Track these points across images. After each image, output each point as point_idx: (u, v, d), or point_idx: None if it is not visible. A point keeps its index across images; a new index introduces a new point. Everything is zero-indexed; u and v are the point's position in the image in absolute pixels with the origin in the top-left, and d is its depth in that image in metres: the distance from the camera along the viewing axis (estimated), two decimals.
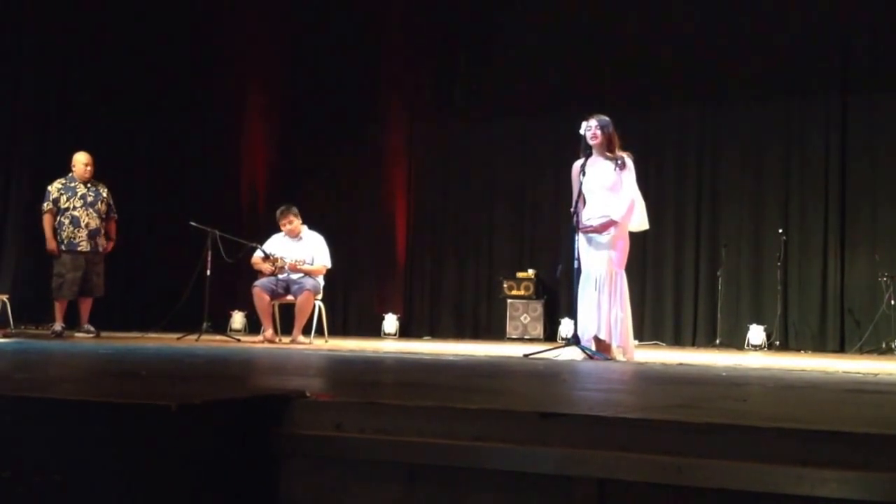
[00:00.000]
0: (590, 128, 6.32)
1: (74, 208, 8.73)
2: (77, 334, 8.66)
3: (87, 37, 11.52)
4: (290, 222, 8.79)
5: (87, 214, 8.76)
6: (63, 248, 8.68)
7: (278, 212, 8.92)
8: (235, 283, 10.82)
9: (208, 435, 1.97)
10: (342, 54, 12.43)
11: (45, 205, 8.78)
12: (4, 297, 9.77)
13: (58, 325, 8.64)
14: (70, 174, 8.87)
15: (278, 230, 8.92)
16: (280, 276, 8.66)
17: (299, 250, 8.75)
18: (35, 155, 10.80)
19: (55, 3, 11.23)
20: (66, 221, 8.71)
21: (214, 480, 1.98)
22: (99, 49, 11.60)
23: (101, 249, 8.86)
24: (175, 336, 8.71)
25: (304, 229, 8.90)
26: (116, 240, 9.13)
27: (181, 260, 10.40)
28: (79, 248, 8.70)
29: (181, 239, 10.58)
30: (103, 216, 8.91)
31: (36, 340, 7.68)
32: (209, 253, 8.82)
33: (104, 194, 8.95)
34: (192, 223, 9.00)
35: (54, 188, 8.79)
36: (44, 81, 11.26)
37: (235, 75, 12.83)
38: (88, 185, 8.86)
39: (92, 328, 8.79)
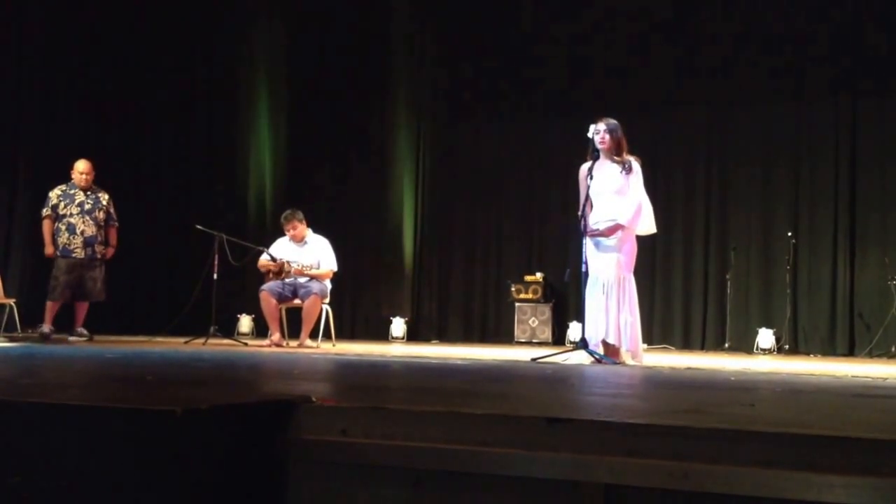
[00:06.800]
0: (598, 131, 6.31)
1: (71, 215, 8.82)
2: (70, 338, 8.73)
3: (91, 43, 11.55)
4: (295, 227, 8.78)
5: (84, 222, 8.83)
6: (59, 253, 8.77)
7: (283, 217, 8.92)
8: (243, 286, 10.82)
9: (214, 440, 1.97)
10: (349, 57, 12.44)
11: (44, 210, 8.92)
12: (11, 301, 9.81)
13: (45, 327, 8.71)
14: (71, 181, 8.96)
15: (284, 234, 8.92)
16: (287, 280, 8.66)
17: (305, 254, 8.75)
18: (41, 161, 10.82)
19: (59, 11, 11.26)
20: (63, 228, 8.80)
21: (221, 485, 1.98)
22: (104, 55, 11.63)
23: (98, 256, 8.90)
24: (182, 340, 8.73)
25: (310, 233, 8.89)
26: (119, 246, 9.16)
27: (188, 264, 10.43)
28: (73, 255, 8.78)
29: (188, 243, 10.61)
30: (101, 224, 8.96)
31: (40, 345, 7.70)
32: (216, 257, 8.84)
33: (104, 202, 9.01)
34: (199, 227, 9.01)
35: (54, 194, 8.91)
36: (49, 90, 11.29)
37: (242, 79, 12.84)
38: (88, 193, 8.95)
39: (85, 331, 8.86)
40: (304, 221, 8.84)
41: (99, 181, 9.14)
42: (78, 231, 8.80)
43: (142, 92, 11.96)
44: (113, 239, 9.09)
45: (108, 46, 11.69)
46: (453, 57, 12.31)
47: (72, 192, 8.91)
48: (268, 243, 9.07)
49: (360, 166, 12.53)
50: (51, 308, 8.79)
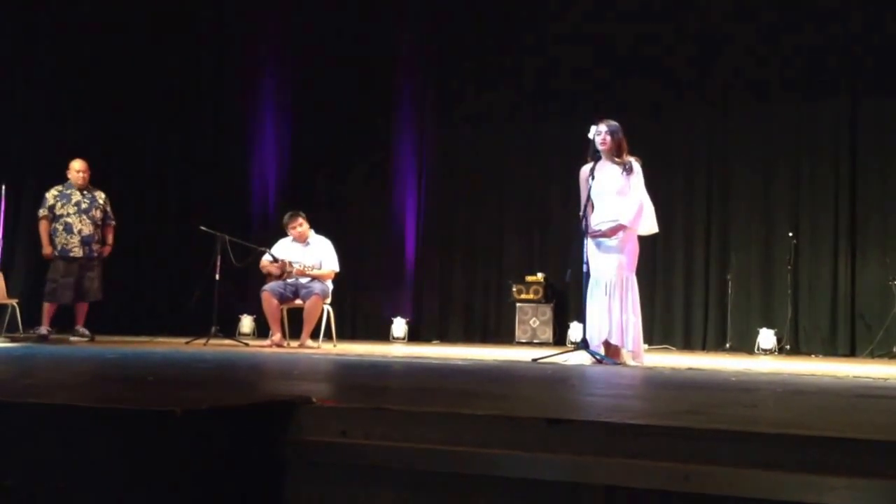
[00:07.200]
0: (599, 133, 6.31)
1: (68, 215, 8.84)
2: (72, 338, 8.75)
3: (97, 45, 11.53)
4: (300, 225, 8.80)
5: (81, 221, 8.85)
6: (56, 253, 8.79)
7: (286, 217, 8.94)
8: (244, 287, 10.82)
9: (213, 441, 1.97)
10: (353, 59, 12.43)
11: (40, 211, 8.95)
12: (14, 302, 9.80)
13: (43, 329, 8.73)
14: (67, 181, 8.98)
15: (287, 235, 8.93)
16: (289, 281, 8.66)
17: (307, 255, 8.75)
18: (46, 162, 10.81)
19: (65, 13, 11.26)
20: (60, 228, 8.82)
21: (220, 486, 1.98)
22: (110, 57, 11.61)
23: (95, 255, 8.92)
24: (183, 340, 8.73)
25: (312, 234, 8.91)
26: (123, 246, 9.18)
27: (190, 264, 10.42)
28: (71, 255, 8.80)
29: (191, 243, 10.60)
30: (98, 222, 8.98)
31: (41, 346, 7.69)
32: (219, 257, 8.84)
33: (100, 201, 9.04)
34: (202, 227, 9.01)
35: (51, 195, 8.95)
36: (55, 92, 11.28)
37: (246, 80, 12.84)
38: (84, 192, 8.97)
39: (87, 332, 8.86)
40: (306, 222, 8.85)
41: (104, 182, 9.15)
42: (75, 230, 8.82)
43: (147, 93, 11.96)
44: (109, 237, 9.11)
45: (114, 49, 11.68)
46: (455, 58, 12.31)
47: (68, 191, 8.94)
48: (270, 244, 9.07)
49: (362, 167, 12.53)
50: (48, 310, 8.81)
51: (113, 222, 9.14)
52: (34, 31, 11.21)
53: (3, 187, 9.34)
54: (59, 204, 8.88)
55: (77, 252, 8.81)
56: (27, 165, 11.03)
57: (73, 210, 8.86)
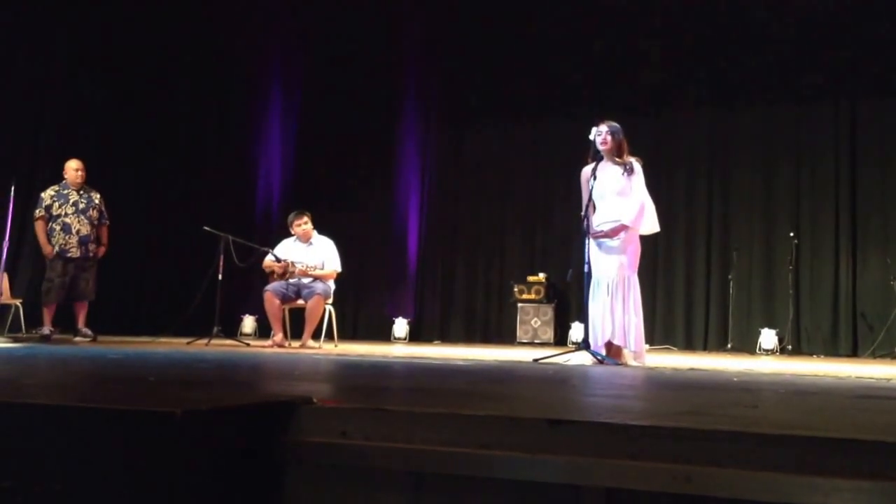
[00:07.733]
0: (600, 133, 6.32)
1: (66, 215, 8.85)
2: (75, 339, 8.75)
3: (103, 45, 11.54)
4: (303, 224, 8.81)
5: (79, 221, 8.87)
6: (55, 251, 8.78)
7: (290, 216, 8.96)
8: (247, 287, 10.83)
9: (213, 442, 1.96)
10: (358, 61, 12.44)
11: (37, 211, 8.96)
12: (18, 302, 9.80)
13: (45, 329, 8.75)
14: (63, 181, 8.99)
15: (290, 234, 8.94)
16: (291, 281, 8.67)
17: (310, 255, 8.76)
18: (57, 165, 10.82)
19: (77, 20, 11.26)
20: (58, 228, 8.83)
21: (219, 488, 1.97)
22: (116, 56, 11.61)
23: (91, 255, 8.93)
24: (185, 341, 8.72)
25: (315, 234, 8.92)
26: (126, 246, 9.18)
27: (193, 265, 10.43)
28: (69, 255, 8.80)
29: (194, 243, 10.61)
30: (95, 222, 9.00)
31: (43, 346, 7.69)
32: (222, 257, 8.85)
33: (96, 201, 9.06)
34: (206, 228, 9.02)
35: (47, 195, 8.96)
36: (63, 95, 11.28)
37: (252, 81, 12.85)
38: (81, 192, 8.99)
39: (89, 332, 8.87)
40: (310, 221, 8.87)
41: (108, 182, 9.14)
42: (73, 230, 8.83)
43: (151, 93, 11.96)
44: (104, 238, 9.13)
45: (120, 50, 11.68)
46: (459, 60, 12.32)
47: (65, 192, 8.95)
48: (273, 244, 9.09)
49: (366, 167, 12.56)
50: (48, 311, 8.81)
51: (108, 222, 9.16)
52: (44, 34, 11.21)
53: (13, 188, 9.33)
54: (56, 204, 8.89)
55: (74, 252, 8.82)
56: (35, 166, 11.03)
57: (72, 210, 8.87)
